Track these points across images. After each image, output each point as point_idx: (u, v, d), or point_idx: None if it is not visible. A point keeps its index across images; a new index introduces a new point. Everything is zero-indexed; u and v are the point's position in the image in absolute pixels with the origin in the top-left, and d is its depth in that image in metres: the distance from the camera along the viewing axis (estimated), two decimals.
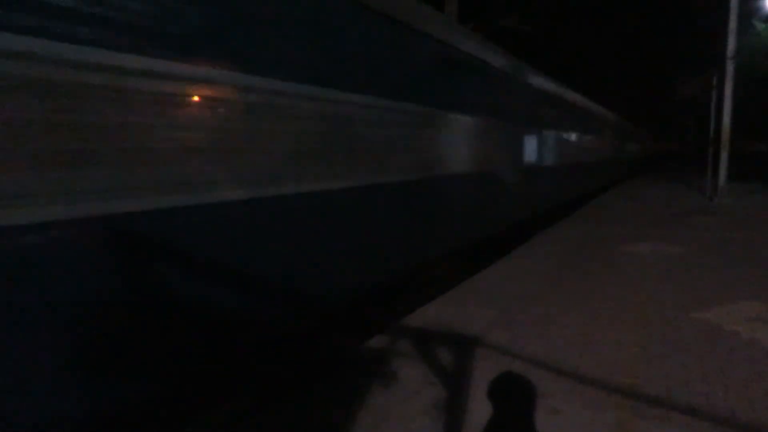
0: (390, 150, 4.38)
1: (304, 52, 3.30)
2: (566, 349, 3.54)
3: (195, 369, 2.58)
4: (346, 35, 3.76)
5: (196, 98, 2.56)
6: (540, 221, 9.88)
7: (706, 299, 4.65)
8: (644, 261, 6.34)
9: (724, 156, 13.12)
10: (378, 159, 4.20)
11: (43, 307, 1.94)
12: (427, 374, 3.15)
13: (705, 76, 20.45)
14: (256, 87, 2.92)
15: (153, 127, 2.34)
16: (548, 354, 3.44)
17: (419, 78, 4.90)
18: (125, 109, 2.22)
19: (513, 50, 8.29)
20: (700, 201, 13.53)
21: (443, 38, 5.35)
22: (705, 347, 3.55)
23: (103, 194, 2.14)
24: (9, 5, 1.85)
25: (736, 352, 3.47)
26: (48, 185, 1.95)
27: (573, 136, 12.12)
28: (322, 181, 3.48)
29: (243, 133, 2.83)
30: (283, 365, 3.65)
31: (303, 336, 3.83)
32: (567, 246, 7.39)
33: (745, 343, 3.61)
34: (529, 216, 8.80)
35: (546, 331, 3.90)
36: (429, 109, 5.06)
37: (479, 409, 2.74)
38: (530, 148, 8.66)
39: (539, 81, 9.18)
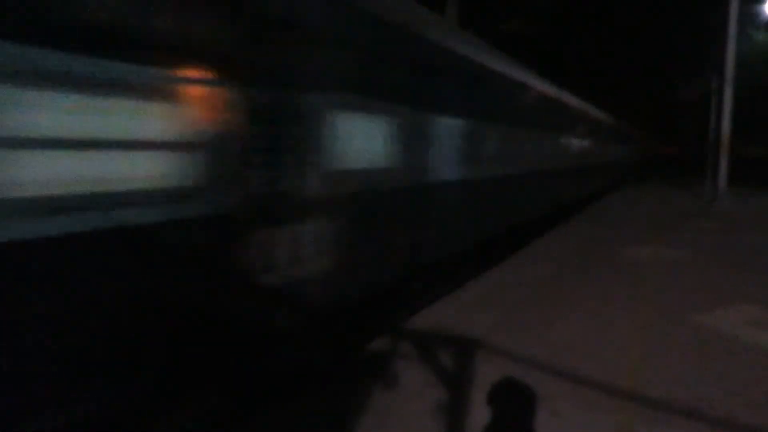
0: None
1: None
2: (566, 352, 3.56)
3: None
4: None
5: None
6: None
7: (705, 303, 4.67)
8: (644, 264, 6.36)
9: (723, 160, 13.15)
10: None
11: None
12: (429, 376, 3.16)
13: (705, 81, 20.52)
14: None
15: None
16: (548, 357, 3.46)
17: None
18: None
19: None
20: (700, 205, 13.56)
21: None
22: (704, 350, 3.57)
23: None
24: None
25: (735, 355, 3.49)
26: None
27: (598, 145, 16.08)
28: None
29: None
30: (286, 366, 3.67)
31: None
32: (567, 250, 7.41)
33: (744, 347, 3.63)
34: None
35: (546, 334, 3.92)
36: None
37: (480, 411, 2.75)
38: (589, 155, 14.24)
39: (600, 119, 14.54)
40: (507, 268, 6.16)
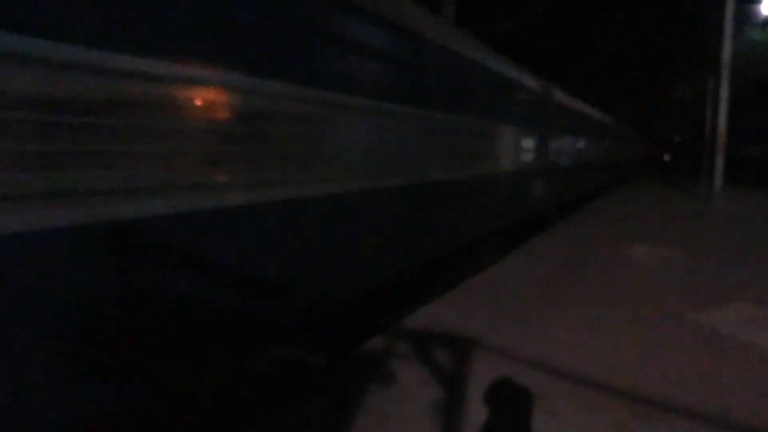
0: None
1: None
2: (563, 350, 3.57)
3: None
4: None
5: None
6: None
7: (701, 302, 4.68)
8: (640, 264, 6.37)
9: (719, 160, 13.19)
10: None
11: None
12: (426, 375, 3.16)
13: (701, 81, 20.60)
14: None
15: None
16: (545, 356, 3.46)
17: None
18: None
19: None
20: (696, 204, 13.60)
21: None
22: (701, 349, 3.58)
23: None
24: None
25: (731, 354, 3.50)
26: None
27: (603, 146, 17.92)
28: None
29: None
30: (283, 365, 3.66)
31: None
32: (564, 249, 7.42)
33: (740, 346, 3.64)
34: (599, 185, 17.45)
35: (543, 332, 3.92)
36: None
37: (476, 410, 2.75)
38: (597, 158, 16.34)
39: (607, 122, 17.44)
40: (503, 267, 6.17)
